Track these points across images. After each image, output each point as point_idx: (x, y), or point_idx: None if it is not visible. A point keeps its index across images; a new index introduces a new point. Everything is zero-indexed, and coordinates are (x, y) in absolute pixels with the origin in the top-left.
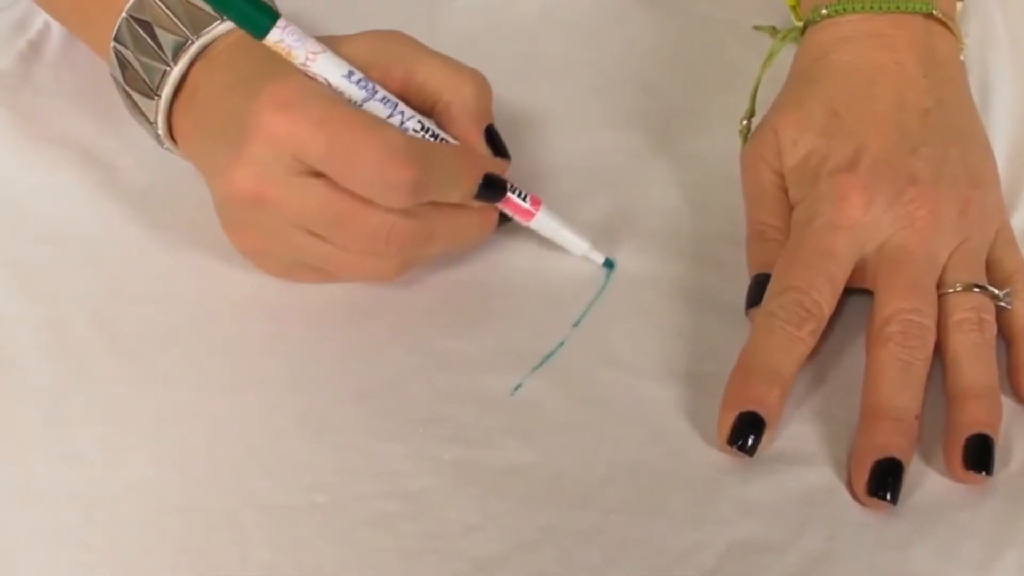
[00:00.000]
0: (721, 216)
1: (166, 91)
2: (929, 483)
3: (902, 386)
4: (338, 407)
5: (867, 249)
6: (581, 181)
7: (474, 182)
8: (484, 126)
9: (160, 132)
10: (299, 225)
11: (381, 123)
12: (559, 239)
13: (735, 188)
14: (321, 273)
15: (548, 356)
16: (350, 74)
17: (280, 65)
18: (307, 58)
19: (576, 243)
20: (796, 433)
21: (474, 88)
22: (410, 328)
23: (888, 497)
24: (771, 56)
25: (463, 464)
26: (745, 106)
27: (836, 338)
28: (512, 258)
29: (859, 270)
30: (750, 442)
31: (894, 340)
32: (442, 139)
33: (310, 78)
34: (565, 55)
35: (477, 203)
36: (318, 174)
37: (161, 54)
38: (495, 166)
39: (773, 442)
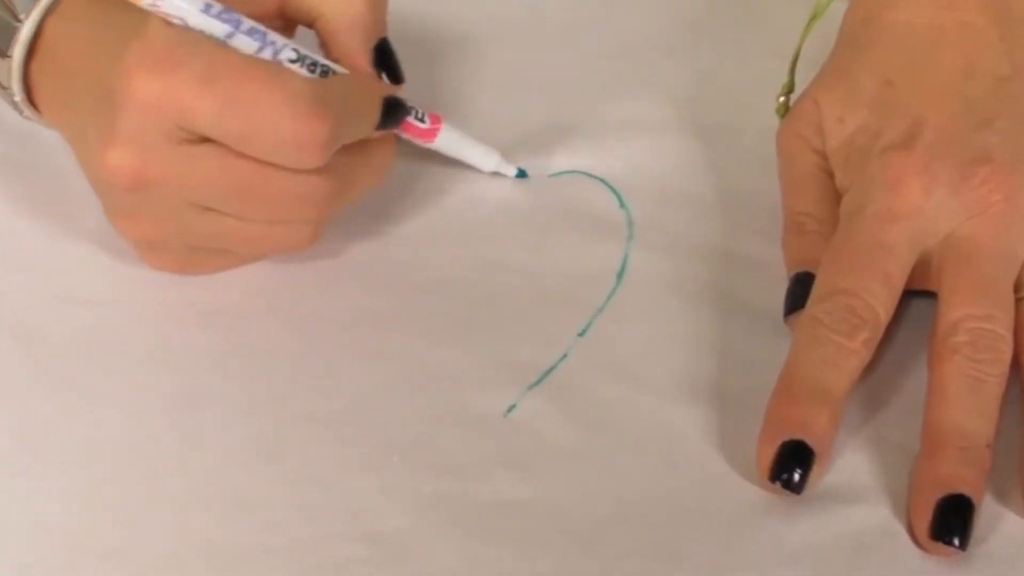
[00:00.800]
0: (757, 206)
1: (18, 50)
2: (1006, 525)
3: (971, 408)
4: (295, 431)
5: (929, 242)
6: (588, 157)
7: (377, 111)
8: (373, 44)
9: (17, 98)
10: (193, 203)
11: (276, 70)
12: (465, 157)
13: (774, 172)
14: (224, 257)
15: (548, 371)
16: (207, 7)
17: (140, 14)
18: None
19: (483, 158)
20: (846, 465)
21: (361, 1)
22: (382, 337)
23: (955, 541)
24: (814, 18)
25: (445, 499)
26: (784, 79)
27: (895, 350)
28: (504, 252)
29: (921, 267)
30: (796, 477)
31: (961, 352)
32: (324, 68)
33: (174, 26)
34: (574, 12)
35: (377, 134)
36: (208, 139)
37: (9, 5)
38: (378, 89)
39: (824, 476)
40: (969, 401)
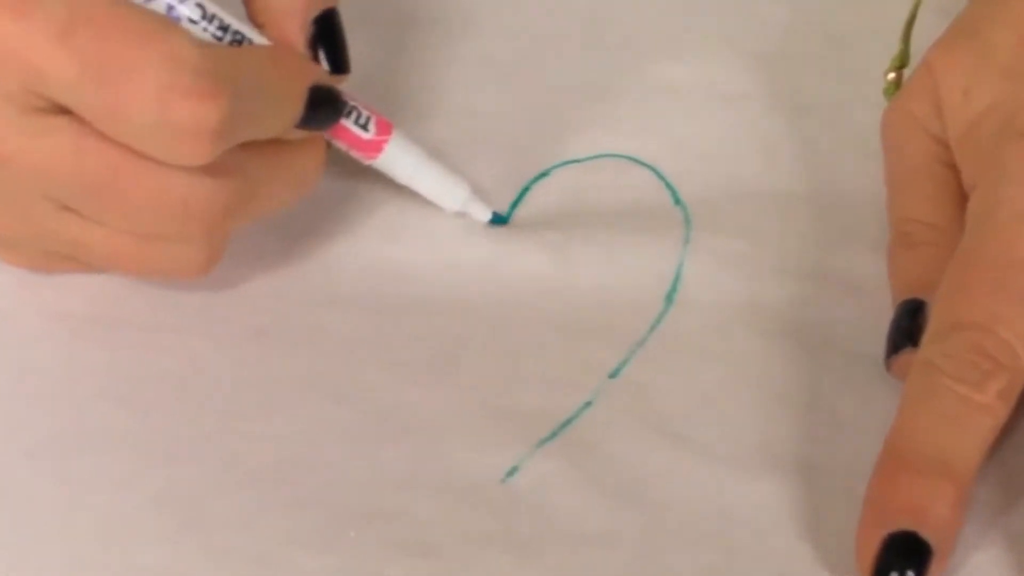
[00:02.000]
0: (860, 208)
1: None
2: None
3: None
4: (219, 487)
5: None
6: (633, 137)
7: (299, 100)
8: (311, 16)
9: None
10: (46, 194)
11: (158, 26)
12: (419, 186)
13: (879, 167)
14: (89, 266)
15: (565, 423)
16: None
17: None
18: None
19: (446, 190)
20: (979, 565)
21: None
22: (341, 368)
23: None
24: None
25: None
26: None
27: None
28: (514, 259)
29: None
30: None
31: None
32: (237, 35)
33: None
34: None
35: (299, 134)
36: (67, 111)
37: None
38: (306, 70)
39: None
40: None
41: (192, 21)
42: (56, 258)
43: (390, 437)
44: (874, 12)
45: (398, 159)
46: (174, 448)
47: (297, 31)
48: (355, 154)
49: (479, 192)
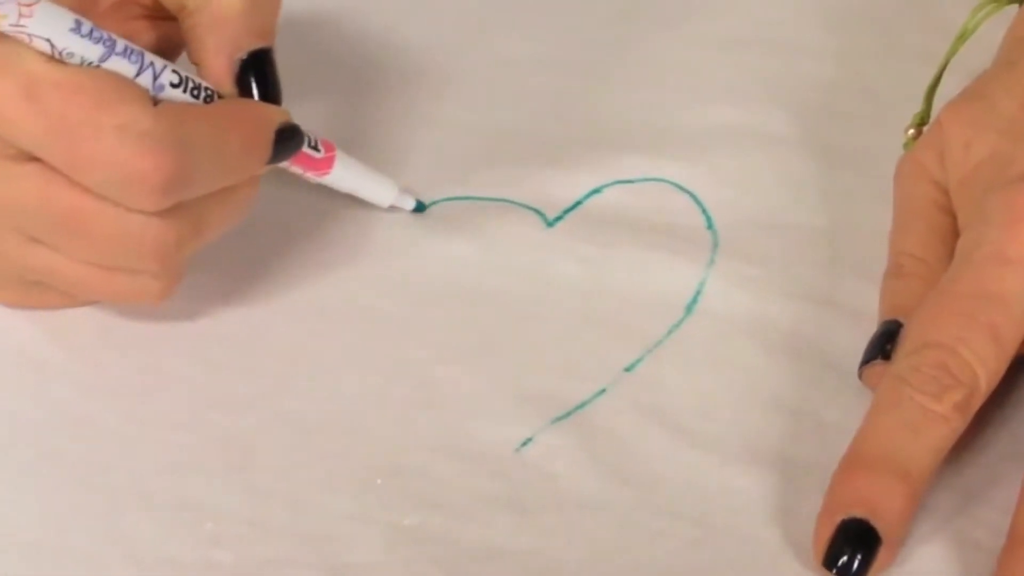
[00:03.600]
0: (876, 246)
1: None
2: None
3: None
4: (269, 436)
5: None
6: (676, 165)
7: (260, 156)
8: (241, 52)
9: None
10: (16, 228)
11: (113, 92)
12: (361, 190)
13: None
14: (62, 296)
15: (580, 406)
16: (78, 25)
17: None
18: (20, 14)
19: (380, 191)
20: (918, 557)
21: None
22: (389, 341)
23: None
24: (962, 36)
25: (428, 537)
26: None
27: (1009, 424)
28: (551, 261)
29: None
30: (855, 565)
31: None
32: (210, 94)
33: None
34: None
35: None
36: (36, 159)
37: None
38: (268, 116)
39: (891, 568)
40: None
41: (173, 85)
42: (33, 289)
43: (421, 406)
44: (911, 73)
45: (344, 171)
46: (232, 400)
47: (224, 70)
48: (310, 175)
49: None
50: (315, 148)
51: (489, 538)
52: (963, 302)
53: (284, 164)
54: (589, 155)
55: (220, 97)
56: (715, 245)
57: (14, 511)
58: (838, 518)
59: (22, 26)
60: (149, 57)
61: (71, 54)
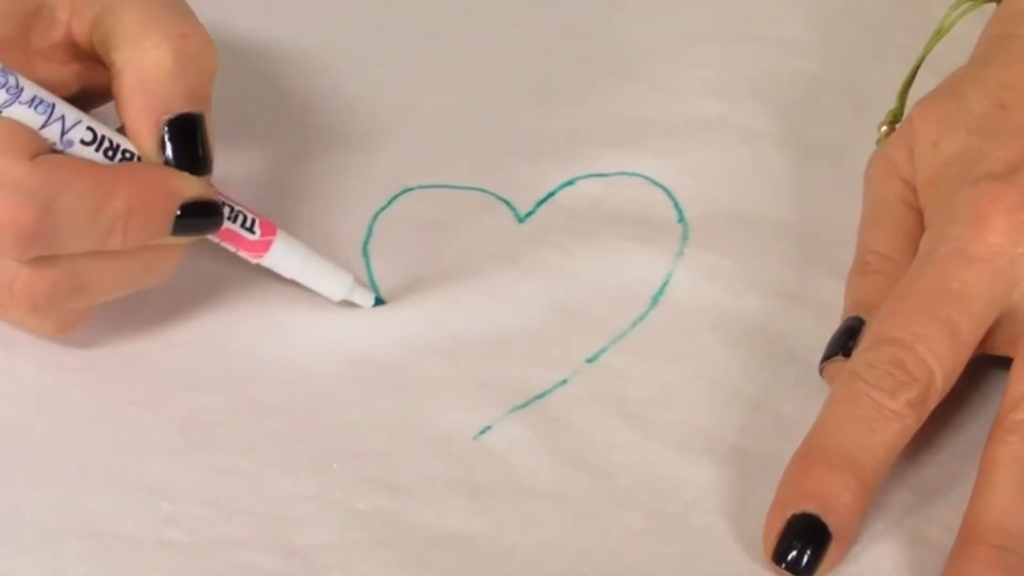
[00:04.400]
0: (846, 243)
1: None
2: None
3: (1020, 501)
4: (229, 416)
5: (1014, 296)
6: (651, 159)
7: (155, 227)
8: (168, 115)
9: None
10: None
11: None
12: (306, 280)
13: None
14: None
15: (540, 396)
16: None
17: None
18: None
19: (331, 283)
20: (869, 555)
21: (168, 58)
22: (354, 325)
23: None
24: (938, 33)
25: (381, 520)
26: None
27: (966, 429)
28: (522, 248)
29: (1001, 327)
30: (804, 560)
31: (1020, 434)
32: (126, 154)
33: None
34: None
35: (173, 240)
36: None
37: None
38: (174, 187)
39: (842, 564)
40: (1018, 493)
41: (84, 142)
42: None
43: (385, 391)
44: (896, 71)
45: (283, 257)
46: (193, 380)
47: (147, 133)
48: (243, 254)
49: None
50: (248, 228)
51: (442, 522)
52: (923, 299)
53: (212, 238)
54: (566, 147)
55: (140, 160)
56: (685, 237)
57: None
58: (789, 512)
59: None
60: (62, 110)
61: None
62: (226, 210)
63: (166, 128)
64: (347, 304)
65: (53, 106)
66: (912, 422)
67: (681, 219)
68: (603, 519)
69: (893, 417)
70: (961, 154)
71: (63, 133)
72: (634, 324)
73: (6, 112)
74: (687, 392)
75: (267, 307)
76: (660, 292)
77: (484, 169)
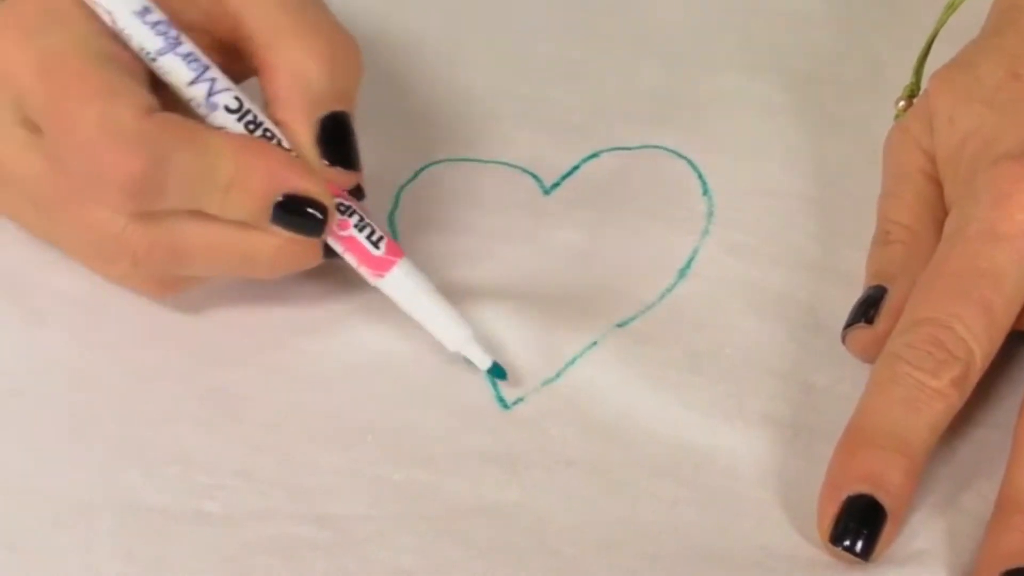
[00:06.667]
0: (868, 214)
1: None
2: None
3: None
4: (262, 391)
5: None
6: (675, 133)
7: (255, 206)
8: (321, 114)
9: None
10: (23, 193)
11: (115, 87)
12: (422, 316)
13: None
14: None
15: (570, 362)
16: (144, 11)
17: None
18: None
19: (448, 329)
20: (911, 525)
21: (321, 59)
22: (381, 299)
23: None
24: (952, 6)
25: (416, 491)
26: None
27: (997, 402)
28: (551, 225)
29: None
30: (862, 541)
31: None
32: (268, 132)
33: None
34: None
35: (277, 229)
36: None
37: None
38: (323, 178)
39: (894, 541)
40: None
41: (228, 109)
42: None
43: (415, 361)
44: (917, 45)
45: (405, 283)
46: (226, 353)
47: (304, 130)
48: (362, 270)
49: (482, 333)
50: (374, 243)
51: (476, 493)
52: (955, 280)
53: (335, 246)
54: (590, 121)
55: (280, 142)
56: (710, 212)
57: (9, 459)
58: (842, 495)
59: None
60: (214, 73)
61: (129, 36)
62: (355, 218)
63: (320, 126)
64: (460, 358)
65: (207, 67)
66: (955, 400)
67: (706, 191)
68: (636, 488)
69: (937, 396)
70: (977, 129)
71: (210, 95)
72: (662, 296)
73: (160, 60)
74: (716, 360)
75: (299, 283)
76: (687, 266)
77: (509, 143)
